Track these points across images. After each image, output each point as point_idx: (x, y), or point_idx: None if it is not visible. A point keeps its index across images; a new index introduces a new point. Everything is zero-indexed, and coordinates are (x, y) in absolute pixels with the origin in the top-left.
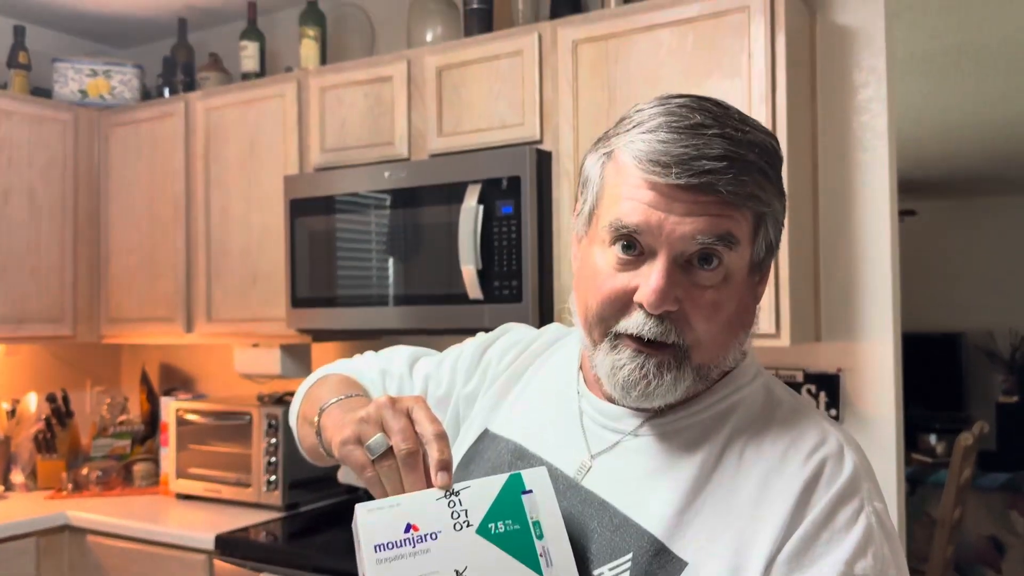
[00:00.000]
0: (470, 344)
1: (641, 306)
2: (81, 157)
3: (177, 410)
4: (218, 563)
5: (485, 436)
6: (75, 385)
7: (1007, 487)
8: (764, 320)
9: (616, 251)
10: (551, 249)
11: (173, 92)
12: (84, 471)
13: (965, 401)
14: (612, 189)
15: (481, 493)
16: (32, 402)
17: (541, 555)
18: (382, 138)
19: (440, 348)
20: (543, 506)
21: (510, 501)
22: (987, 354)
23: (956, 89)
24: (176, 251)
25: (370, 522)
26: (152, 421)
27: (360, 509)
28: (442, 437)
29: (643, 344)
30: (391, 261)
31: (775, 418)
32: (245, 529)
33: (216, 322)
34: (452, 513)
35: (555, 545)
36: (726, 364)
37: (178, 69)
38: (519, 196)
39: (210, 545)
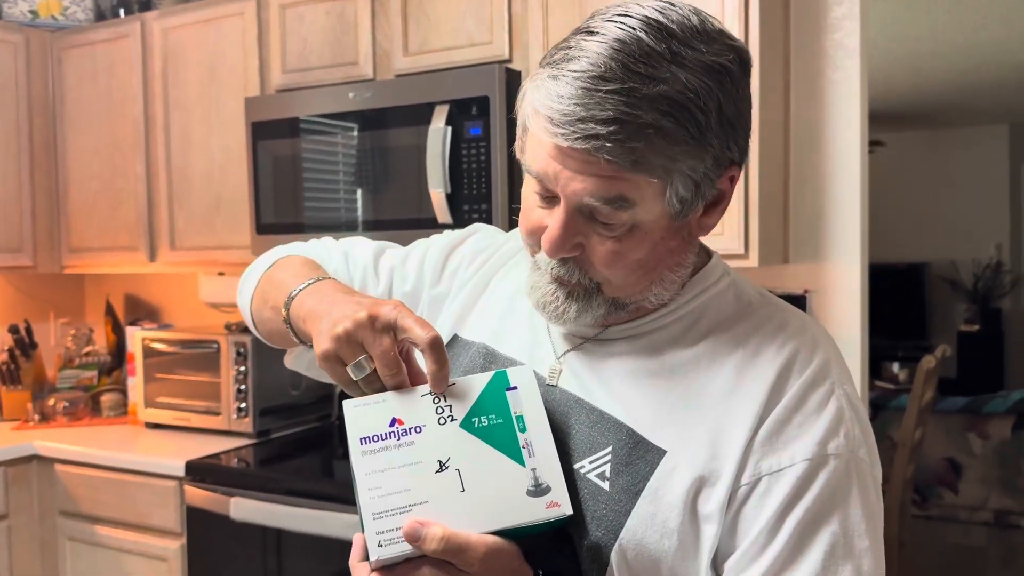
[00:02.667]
0: (437, 242)
1: None
2: (34, 81)
3: (144, 340)
4: (189, 489)
5: (456, 341)
6: (38, 316)
7: (966, 410)
8: (732, 240)
9: (534, 186)
10: (520, 171)
11: (128, 12)
12: (51, 402)
13: (928, 330)
14: (529, 125)
15: (466, 390)
16: None
17: (524, 447)
18: (346, 58)
19: None
20: (527, 402)
21: (494, 397)
22: (950, 284)
23: (928, 16)
24: (136, 177)
25: (356, 416)
26: (118, 352)
27: (347, 405)
28: (436, 345)
29: (553, 277)
30: (358, 185)
31: (745, 314)
32: (216, 455)
33: (180, 250)
34: (436, 408)
35: (538, 438)
36: (651, 301)
37: None
38: (488, 117)
39: (180, 471)
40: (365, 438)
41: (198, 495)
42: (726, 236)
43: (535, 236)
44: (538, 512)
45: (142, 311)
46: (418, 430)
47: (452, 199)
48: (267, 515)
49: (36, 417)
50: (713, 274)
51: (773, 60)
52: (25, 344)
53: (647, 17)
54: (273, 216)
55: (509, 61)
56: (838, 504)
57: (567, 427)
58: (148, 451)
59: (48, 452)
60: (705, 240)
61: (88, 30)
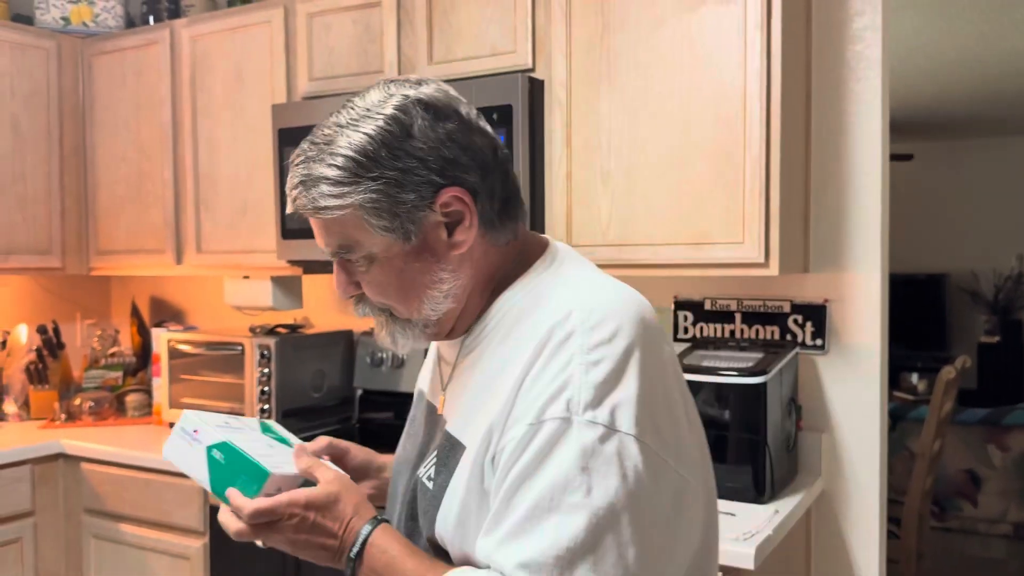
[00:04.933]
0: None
1: None
2: (65, 86)
3: (169, 341)
4: None
5: (418, 395)
6: (65, 317)
7: (986, 421)
8: (752, 249)
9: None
10: (542, 179)
11: (158, 19)
12: (77, 401)
13: (947, 341)
14: None
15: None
16: (23, 333)
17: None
18: (371, 66)
19: None
20: (275, 427)
21: (265, 429)
22: (970, 295)
23: (949, 26)
24: (164, 182)
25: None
26: (143, 353)
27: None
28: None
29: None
30: None
31: (540, 310)
32: None
33: (206, 253)
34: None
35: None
36: (433, 316)
37: None
38: (511, 125)
39: None
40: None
41: None
42: (746, 245)
43: None
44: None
45: (167, 313)
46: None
47: None
48: None
49: (63, 416)
50: (525, 282)
51: (795, 71)
52: (53, 344)
53: (337, 112)
54: (299, 221)
55: (532, 70)
56: (548, 464)
57: (428, 445)
58: None
59: (74, 451)
60: (728, 250)
61: (118, 37)
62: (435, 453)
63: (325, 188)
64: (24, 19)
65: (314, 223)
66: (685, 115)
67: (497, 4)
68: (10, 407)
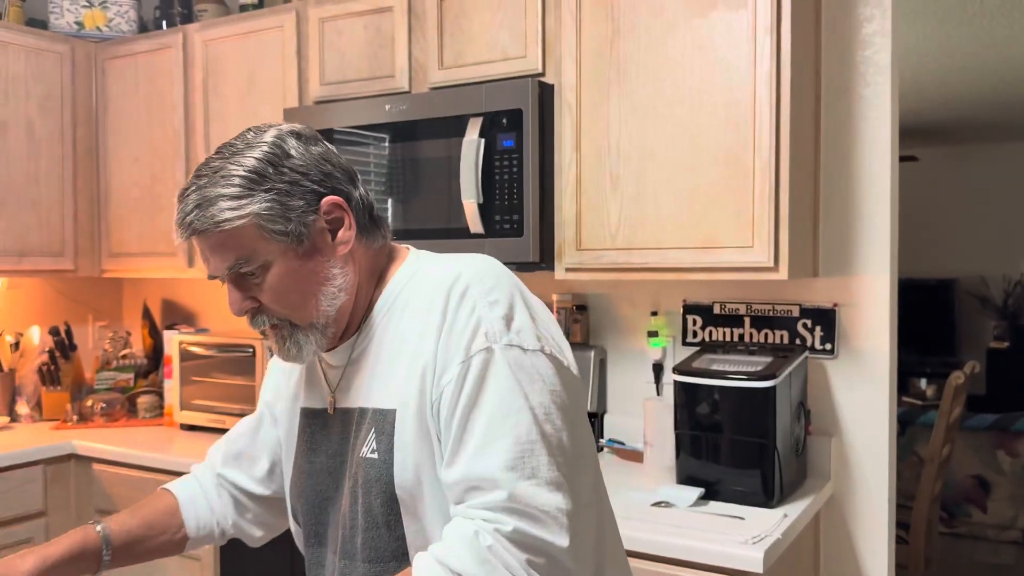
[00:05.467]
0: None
1: None
2: (79, 90)
3: (180, 343)
4: None
5: (288, 415)
6: (77, 319)
7: (995, 427)
8: (762, 254)
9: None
10: (552, 183)
11: (171, 24)
12: (88, 403)
13: (956, 346)
14: None
15: None
16: (35, 335)
17: None
18: (382, 71)
19: None
20: None
21: None
22: (979, 300)
23: (958, 31)
24: (176, 185)
25: None
26: (155, 355)
27: None
28: None
29: (266, 331)
30: (392, 195)
31: (426, 287)
32: None
33: None
34: None
35: None
36: (330, 312)
37: (175, 1)
38: (521, 129)
39: None
40: None
41: None
42: (755, 250)
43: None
44: None
45: (178, 315)
46: None
47: (484, 210)
48: None
49: (74, 417)
50: (402, 273)
51: (804, 76)
52: (65, 346)
53: (217, 151)
54: None
55: (542, 75)
56: (488, 385)
57: (354, 434)
58: (183, 452)
59: (86, 452)
60: (737, 255)
61: (131, 41)
62: (372, 431)
63: (224, 204)
64: (38, 23)
65: (208, 244)
66: (695, 119)
67: (507, 9)
68: (23, 408)
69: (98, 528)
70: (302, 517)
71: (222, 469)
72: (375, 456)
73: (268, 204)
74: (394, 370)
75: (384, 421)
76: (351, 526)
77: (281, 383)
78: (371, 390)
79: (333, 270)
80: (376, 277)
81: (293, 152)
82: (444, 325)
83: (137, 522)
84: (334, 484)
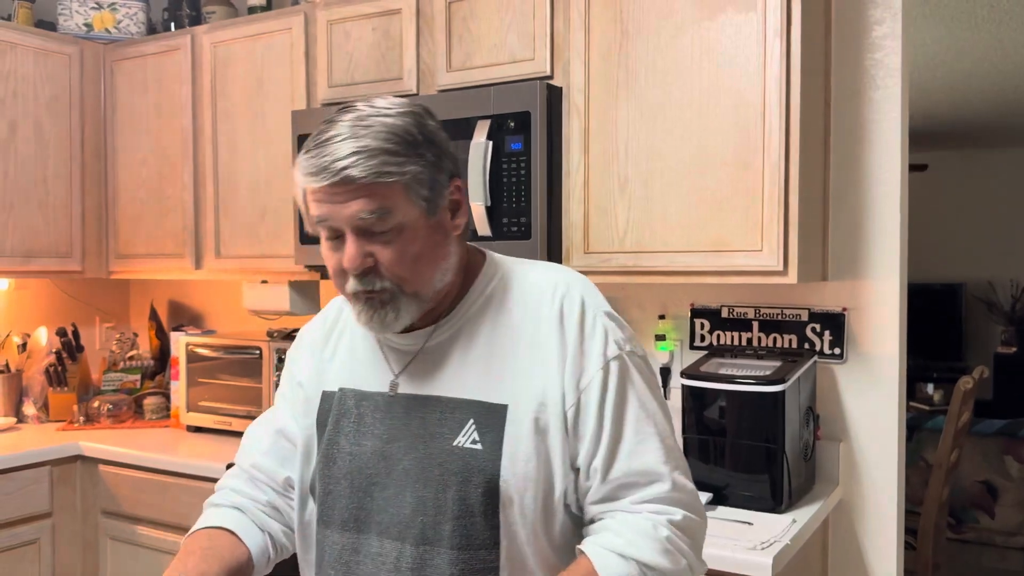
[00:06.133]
0: (282, 379)
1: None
2: (87, 91)
3: (188, 345)
4: None
5: (324, 397)
6: (84, 320)
7: (1003, 432)
8: (771, 257)
9: (325, 239)
10: (560, 186)
11: (179, 26)
12: (95, 404)
13: (964, 351)
14: (304, 196)
15: None
16: (43, 336)
17: None
18: (390, 73)
19: None
20: None
21: None
22: (987, 305)
23: (969, 36)
24: (184, 187)
25: None
26: (162, 357)
27: None
28: None
29: (365, 294)
30: None
31: (521, 291)
32: None
33: (225, 258)
34: None
35: None
36: (438, 287)
37: (184, 3)
38: (529, 132)
39: (221, 474)
40: None
41: None
42: (764, 253)
43: (338, 272)
44: None
45: (185, 317)
46: None
47: (492, 212)
48: None
49: (81, 418)
50: (487, 273)
51: (814, 79)
52: (72, 347)
53: (348, 107)
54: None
55: (550, 77)
56: (628, 388)
57: (432, 420)
58: (189, 453)
59: (92, 453)
60: (746, 258)
61: (140, 43)
62: (470, 423)
63: (386, 158)
64: (47, 25)
65: (351, 191)
66: (703, 122)
67: (516, 11)
68: (29, 409)
69: None
70: (342, 500)
71: (274, 498)
72: (478, 447)
73: (421, 169)
74: (501, 367)
75: (490, 415)
76: (435, 512)
77: (316, 365)
78: (462, 382)
79: (450, 248)
80: (464, 270)
81: (434, 128)
82: (568, 334)
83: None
84: (386, 468)
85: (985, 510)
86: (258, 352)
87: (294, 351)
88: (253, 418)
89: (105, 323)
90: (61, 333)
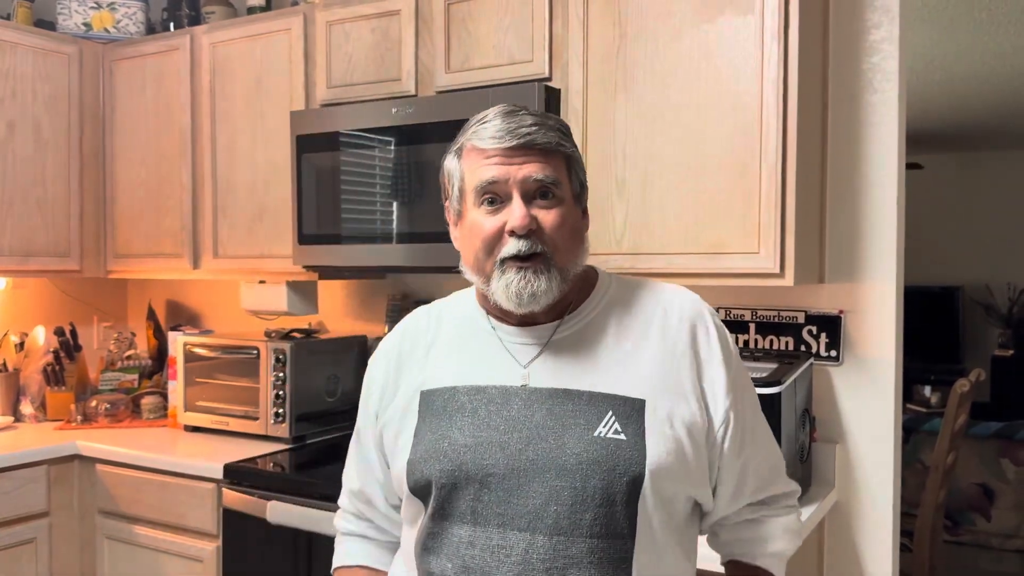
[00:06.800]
0: (360, 416)
1: (512, 233)
2: (86, 91)
3: (185, 344)
4: (227, 491)
5: (424, 396)
6: (82, 320)
7: (1000, 435)
8: (768, 260)
9: (484, 208)
10: None
11: (178, 26)
12: (93, 403)
13: (961, 354)
14: (470, 168)
15: None
16: (40, 335)
17: None
18: (389, 74)
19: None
20: None
21: None
22: (984, 308)
23: (966, 40)
24: (182, 187)
25: None
26: (159, 356)
27: None
28: None
29: (521, 260)
30: (396, 198)
31: (639, 296)
32: (253, 459)
33: (223, 258)
34: None
35: None
36: (577, 267)
37: (183, 3)
38: None
39: (219, 474)
40: None
41: (235, 498)
42: (761, 255)
43: (496, 236)
44: None
45: (183, 317)
46: None
47: None
48: (301, 519)
49: (78, 418)
50: (605, 283)
51: (811, 81)
52: (70, 346)
53: (511, 104)
54: (315, 227)
55: (549, 79)
56: (755, 400)
57: (568, 412)
58: (187, 453)
59: (90, 452)
60: (743, 260)
61: (139, 43)
62: (609, 415)
63: (560, 136)
64: (46, 24)
65: (531, 157)
66: (701, 125)
67: (514, 13)
68: (27, 408)
69: None
70: (459, 491)
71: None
72: (622, 437)
73: (577, 155)
74: (634, 364)
75: (629, 408)
76: (573, 502)
77: (409, 371)
78: (594, 376)
79: (585, 238)
80: (583, 274)
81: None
82: (700, 344)
83: None
84: (505, 459)
85: (981, 512)
86: (256, 352)
87: (374, 376)
88: (251, 418)
89: (103, 322)
90: (59, 332)
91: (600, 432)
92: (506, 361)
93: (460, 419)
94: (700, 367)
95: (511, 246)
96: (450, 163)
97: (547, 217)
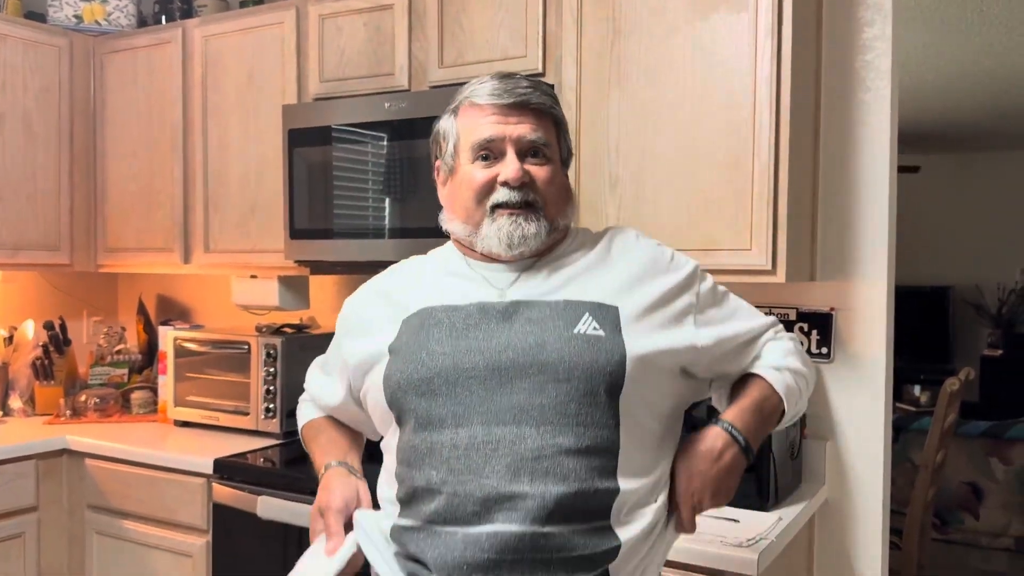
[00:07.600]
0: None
1: (504, 184)
2: (77, 84)
3: (176, 339)
4: (217, 486)
5: (405, 322)
6: (72, 314)
7: (989, 434)
8: (759, 257)
9: (478, 163)
10: None
11: (170, 19)
12: (82, 398)
13: (951, 353)
14: (466, 126)
15: None
16: (30, 329)
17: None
18: (382, 68)
19: None
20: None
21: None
22: (974, 307)
23: (959, 40)
24: (173, 181)
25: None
26: (149, 351)
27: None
28: (334, 534)
29: (513, 208)
30: (389, 193)
31: (604, 235)
32: (243, 454)
33: (214, 253)
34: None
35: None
36: (564, 220)
37: None
38: None
39: (209, 469)
40: None
41: (225, 493)
42: (753, 252)
43: (487, 186)
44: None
45: (174, 311)
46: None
47: None
48: (292, 514)
49: (68, 412)
50: (575, 230)
51: (804, 79)
52: (59, 340)
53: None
54: (307, 222)
55: (542, 75)
56: (718, 286)
57: (546, 316)
58: (177, 448)
59: (79, 447)
60: (735, 257)
61: (130, 36)
62: (586, 316)
63: (553, 101)
64: (37, 16)
65: (526, 116)
66: (694, 121)
67: (508, 8)
68: (15, 402)
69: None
70: (439, 398)
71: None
72: (601, 333)
73: (566, 122)
74: (607, 282)
75: (603, 311)
76: (557, 394)
77: (394, 304)
78: (567, 292)
79: (569, 199)
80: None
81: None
82: (661, 264)
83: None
84: (484, 361)
85: (970, 511)
86: (246, 347)
87: (352, 312)
88: (241, 413)
89: (93, 317)
90: (48, 326)
91: (580, 329)
92: (483, 286)
93: (437, 332)
94: (661, 274)
95: (502, 193)
96: (445, 123)
97: (539, 172)
